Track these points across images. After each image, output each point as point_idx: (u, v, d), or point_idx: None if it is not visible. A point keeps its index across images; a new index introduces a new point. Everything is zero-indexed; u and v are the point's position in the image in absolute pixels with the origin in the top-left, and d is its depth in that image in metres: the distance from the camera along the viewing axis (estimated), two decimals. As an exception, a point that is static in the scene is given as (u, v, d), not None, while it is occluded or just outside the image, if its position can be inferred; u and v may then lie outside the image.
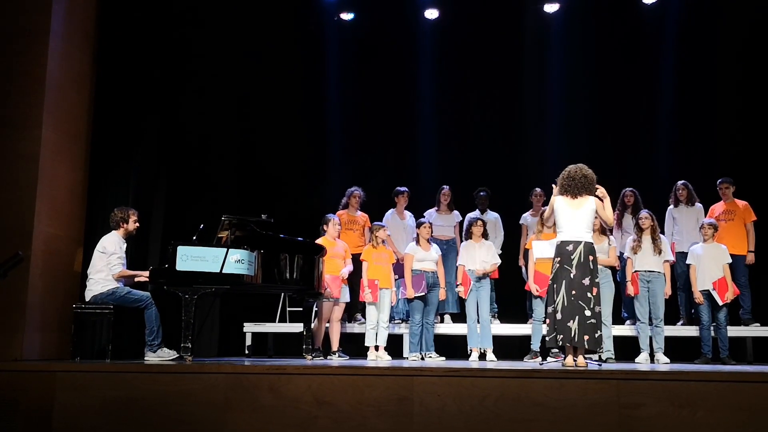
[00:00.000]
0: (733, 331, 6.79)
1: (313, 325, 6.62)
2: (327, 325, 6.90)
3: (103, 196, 6.94)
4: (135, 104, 7.26)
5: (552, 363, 5.85)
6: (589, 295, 5.15)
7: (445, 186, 7.80)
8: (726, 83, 8.40)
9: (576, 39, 8.63)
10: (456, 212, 7.78)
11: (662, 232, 6.95)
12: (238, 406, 4.64)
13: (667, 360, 6.41)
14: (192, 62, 7.92)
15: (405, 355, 7.03)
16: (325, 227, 6.88)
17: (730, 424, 4.23)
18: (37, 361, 5.83)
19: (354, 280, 7.22)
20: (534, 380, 4.44)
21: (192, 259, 5.49)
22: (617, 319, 7.01)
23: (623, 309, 7.25)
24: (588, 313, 5.12)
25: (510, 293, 7.77)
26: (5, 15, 6.37)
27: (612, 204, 7.26)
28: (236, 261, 5.55)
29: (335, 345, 6.83)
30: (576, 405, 4.34)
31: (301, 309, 6.70)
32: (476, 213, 7.65)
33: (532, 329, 6.66)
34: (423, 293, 6.62)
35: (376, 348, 6.71)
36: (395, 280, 6.94)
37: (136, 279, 6.22)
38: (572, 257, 5.20)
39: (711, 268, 6.64)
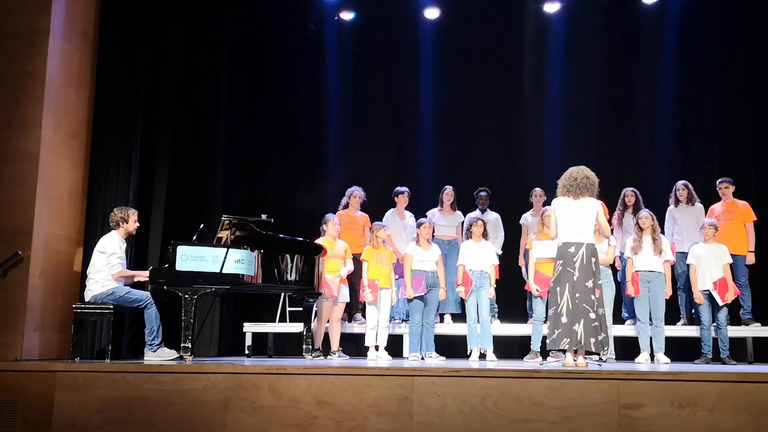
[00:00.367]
0: (734, 331, 6.79)
1: (312, 325, 6.61)
2: (327, 325, 6.89)
3: (103, 195, 6.93)
4: (134, 104, 7.26)
5: (552, 363, 5.85)
6: (592, 297, 5.16)
7: (448, 186, 7.77)
8: (726, 83, 8.41)
9: (576, 38, 8.63)
10: (459, 212, 7.76)
11: (662, 232, 6.95)
12: (238, 406, 4.64)
13: (668, 360, 6.41)
14: (192, 61, 7.92)
15: (405, 355, 7.03)
16: (324, 227, 6.87)
17: (731, 424, 4.22)
18: (37, 361, 5.83)
19: (354, 280, 7.22)
20: (534, 380, 4.44)
21: (192, 258, 5.48)
22: (617, 320, 7.00)
23: (624, 309, 7.24)
24: (593, 315, 5.13)
25: (510, 293, 7.77)
26: (5, 15, 6.38)
27: (613, 204, 7.33)
28: (236, 261, 5.55)
29: (335, 345, 6.83)
30: (576, 405, 4.34)
31: (301, 309, 6.69)
32: (477, 213, 7.65)
33: (533, 329, 6.65)
34: (423, 293, 6.61)
35: (376, 348, 6.71)
36: (395, 280, 6.93)
37: (136, 279, 6.21)
38: (575, 259, 5.20)
39: (711, 268, 6.64)
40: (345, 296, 6.92)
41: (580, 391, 4.36)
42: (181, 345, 5.45)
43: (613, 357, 6.41)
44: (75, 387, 4.82)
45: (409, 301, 6.68)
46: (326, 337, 6.91)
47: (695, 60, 8.46)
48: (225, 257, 5.49)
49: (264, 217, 6.04)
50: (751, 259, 7.06)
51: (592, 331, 5.11)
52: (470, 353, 6.58)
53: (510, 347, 7.39)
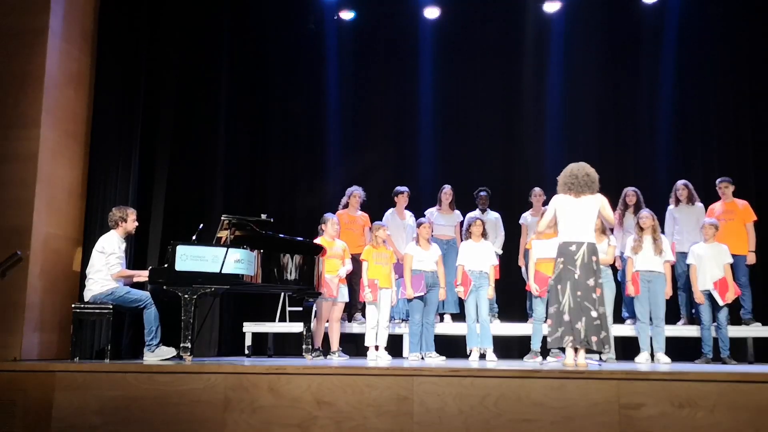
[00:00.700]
0: (734, 331, 6.78)
1: (312, 325, 6.61)
2: (326, 324, 6.88)
3: (102, 195, 6.92)
4: (134, 103, 7.25)
5: (552, 363, 5.85)
6: (594, 296, 5.16)
7: (446, 185, 7.78)
8: (726, 82, 8.40)
9: (576, 38, 8.64)
10: (457, 212, 7.77)
11: (663, 232, 6.95)
12: (237, 406, 4.64)
13: (668, 360, 6.40)
14: (191, 61, 7.92)
15: (405, 354, 7.02)
16: (323, 227, 6.86)
17: (731, 424, 4.22)
18: (36, 361, 5.83)
19: (354, 280, 7.22)
20: (534, 380, 4.43)
21: (191, 258, 5.48)
22: (618, 319, 7.00)
23: (624, 309, 7.24)
24: (594, 314, 5.12)
25: (510, 293, 7.76)
26: (4, 14, 6.38)
27: (613, 204, 7.31)
28: (236, 261, 5.54)
29: (335, 345, 6.82)
30: (576, 405, 4.34)
31: (300, 309, 6.69)
32: (477, 213, 7.64)
33: (533, 329, 6.64)
34: (422, 293, 6.61)
35: (376, 348, 6.70)
36: (395, 279, 6.93)
37: (135, 279, 6.20)
38: (576, 258, 5.19)
39: (712, 268, 6.64)
40: (344, 296, 6.92)
41: (580, 391, 4.36)
42: (181, 345, 5.45)
43: (613, 357, 6.40)
44: (74, 387, 4.81)
45: (409, 301, 6.68)
46: (326, 337, 6.91)
47: (695, 59, 8.46)
48: (224, 257, 5.49)
49: (263, 216, 6.04)
50: (751, 258, 7.05)
51: (593, 330, 5.10)
52: (470, 353, 6.57)
53: (510, 347, 7.39)
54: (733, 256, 6.78)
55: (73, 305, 6.01)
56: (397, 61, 9.00)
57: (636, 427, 4.27)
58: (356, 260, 7.08)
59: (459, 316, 7.22)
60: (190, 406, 4.68)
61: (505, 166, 8.71)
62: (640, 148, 8.62)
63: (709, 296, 6.62)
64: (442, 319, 7.44)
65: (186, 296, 5.46)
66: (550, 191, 5.69)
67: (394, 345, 7.04)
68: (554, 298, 5.28)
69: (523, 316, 7.45)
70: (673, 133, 8.46)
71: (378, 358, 6.63)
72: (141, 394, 4.74)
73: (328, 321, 6.86)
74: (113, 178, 7.03)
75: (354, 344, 7.64)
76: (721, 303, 6.57)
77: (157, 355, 5.86)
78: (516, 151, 8.74)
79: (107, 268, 6.00)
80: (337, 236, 7.00)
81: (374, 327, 6.71)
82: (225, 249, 5.53)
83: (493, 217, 7.76)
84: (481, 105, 8.89)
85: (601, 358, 6.02)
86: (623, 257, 6.97)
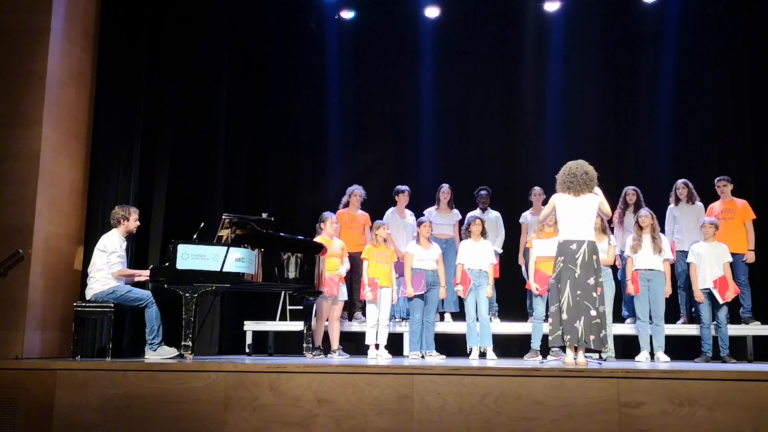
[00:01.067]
0: (734, 330, 6.79)
1: (312, 324, 6.62)
2: (326, 323, 6.89)
3: (104, 194, 6.93)
4: (135, 102, 7.26)
5: (552, 361, 5.86)
6: (594, 294, 5.16)
7: (444, 184, 7.80)
8: (726, 81, 8.41)
9: (576, 37, 8.64)
10: (456, 211, 7.78)
11: (663, 231, 6.96)
12: (238, 405, 4.65)
13: (668, 358, 6.41)
14: (192, 60, 7.93)
15: (405, 353, 7.03)
16: (322, 225, 6.87)
17: (731, 422, 4.23)
18: (38, 360, 5.83)
19: (354, 279, 7.23)
20: (534, 379, 4.45)
21: (192, 257, 5.49)
22: (617, 318, 7.01)
23: (624, 308, 7.25)
24: (593, 313, 5.13)
25: (510, 292, 7.77)
26: (6, 13, 6.38)
27: (613, 203, 7.32)
28: (237, 259, 5.56)
29: (335, 343, 6.83)
30: (576, 403, 4.35)
31: (301, 307, 6.70)
32: (477, 212, 7.65)
33: (533, 328, 6.66)
34: (423, 292, 6.62)
35: (377, 346, 6.71)
36: (395, 278, 6.94)
37: (136, 278, 6.21)
38: (576, 256, 5.20)
39: (712, 267, 6.65)
40: (343, 294, 6.93)
41: (580, 389, 4.37)
42: (182, 343, 5.46)
43: (613, 355, 6.41)
44: (76, 385, 4.82)
45: (410, 299, 6.69)
46: (326, 335, 6.92)
47: (695, 58, 8.47)
48: (225, 256, 5.50)
49: (264, 215, 6.05)
50: (750, 257, 7.06)
51: (592, 329, 5.11)
52: (470, 352, 6.58)
53: (510, 346, 7.39)
54: (733, 254, 6.79)
55: (74, 304, 6.02)
56: (398, 60, 9.00)
57: (636, 426, 4.29)
58: (357, 259, 7.09)
59: (459, 315, 7.23)
60: (190, 404, 4.69)
61: (505, 165, 8.72)
62: (639, 146, 8.62)
63: (709, 295, 6.64)
64: (442, 318, 7.45)
65: (187, 295, 5.48)
66: (550, 190, 5.70)
67: (395, 344, 7.05)
68: (554, 297, 5.29)
69: (523, 314, 7.46)
70: (673, 131, 8.47)
71: (378, 356, 6.64)
72: (142, 392, 4.76)
73: (327, 320, 6.87)
74: (114, 177, 7.04)
75: (354, 343, 7.65)
76: (721, 302, 6.58)
77: (159, 354, 5.87)
78: (516, 150, 8.75)
79: (108, 266, 6.00)
80: (336, 235, 7.01)
81: (374, 326, 6.72)
82: (226, 248, 5.54)
83: (494, 216, 7.77)
84: (482, 104, 8.90)
85: (601, 357, 6.03)
86: (623, 256, 6.98)
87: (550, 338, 5.35)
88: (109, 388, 4.79)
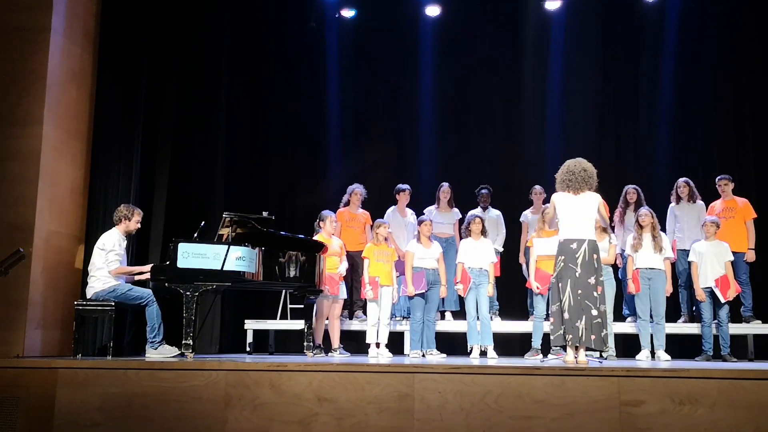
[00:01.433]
0: (734, 329, 6.79)
1: (312, 322, 6.62)
2: (326, 322, 6.90)
3: (104, 193, 6.94)
4: (136, 101, 7.26)
5: (553, 360, 5.86)
6: (594, 294, 5.16)
7: (444, 183, 7.79)
8: (726, 79, 8.40)
9: (577, 36, 8.63)
10: (456, 210, 7.78)
11: (664, 230, 6.95)
12: (239, 403, 4.65)
13: (668, 357, 6.41)
14: (193, 59, 7.93)
15: (406, 352, 7.03)
16: (321, 224, 6.87)
17: (731, 421, 4.23)
18: (39, 358, 5.84)
19: (354, 277, 7.23)
20: (535, 377, 4.45)
21: (193, 256, 5.49)
22: (618, 317, 7.01)
23: (624, 306, 7.25)
24: (594, 312, 5.13)
25: (511, 291, 7.77)
26: (6, 12, 6.39)
27: (614, 201, 7.33)
28: (237, 258, 5.56)
29: (335, 342, 6.83)
30: (577, 402, 4.35)
31: (302, 306, 6.70)
32: (478, 210, 7.65)
33: (533, 326, 6.66)
34: (423, 291, 6.62)
35: (377, 345, 6.71)
36: (396, 277, 6.94)
37: (137, 277, 6.21)
38: (577, 256, 5.20)
39: (713, 266, 6.65)
40: (343, 293, 6.94)
41: (580, 388, 4.37)
42: (183, 342, 5.46)
43: (614, 354, 6.41)
44: (76, 384, 4.83)
45: (410, 298, 6.69)
46: (326, 334, 6.92)
47: (695, 57, 8.46)
48: (226, 254, 5.50)
49: (265, 214, 6.05)
50: (751, 256, 7.05)
51: (593, 328, 5.11)
52: (471, 350, 6.58)
53: (511, 344, 7.39)
54: (733, 253, 6.78)
55: (75, 302, 6.02)
56: (398, 58, 9.00)
57: (636, 425, 4.29)
58: (358, 258, 7.09)
59: (460, 314, 7.23)
60: (191, 402, 4.70)
61: (505, 164, 8.71)
62: (640, 145, 8.62)
63: (710, 293, 6.63)
64: (443, 317, 7.45)
65: (188, 293, 5.48)
66: (550, 189, 5.69)
67: (395, 342, 7.05)
68: (555, 296, 5.29)
69: (523, 313, 7.46)
70: (674, 130, 8.46)
71: (379, 355, 6.64)
72: (143, 390, 4.76)
73: (327, 318, 6.87)
74: (115, 176, 7.05)
75: (355, 341, 7.65)
76: (722, 300, 6.57)
77: (160, 352, 5.87)
78: (517, 149, 8.74)
79: (107, 265, 6.01)
80: (336, 234, 7.00)
81: (375, 324, 6.72)
82: (226, 246, 5.55)
83: (495, 214, 7.77)
84: (482, 103, 8.89)
85: (602, 355, 6.03)
86: (623, 255, 6.97)
87: (551, 337, 5.35)
88: (109, 386, 4.79)
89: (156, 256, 7.18)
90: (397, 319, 7.29)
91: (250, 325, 7.49)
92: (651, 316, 6.54)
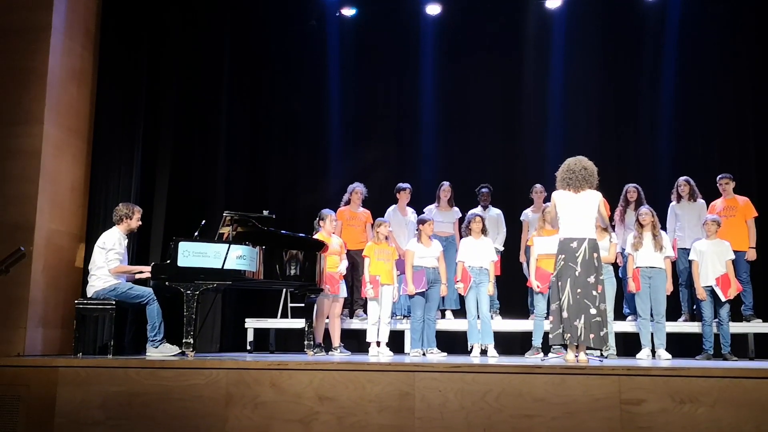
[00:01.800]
0: (735, 327, 6.79)
1: (313, 321, 6.62)
2: (327, 321, 6.90)
3: (105, 191, 6.94)
4: (136, 100, 7.26)
5: (553, 359, 5.86)
6: (594, 293, 5.16)
7: (444, 182, 7.80)
8: (728, 78, 8.40)
9: (577, 35, 8.64)
10: (456, 209, 7.78)
11: (664, 229, 6.95)
12: (239, 402, 4.66)
13: (669, 356, 6.41)
14: (193, 58, 7.93)
15: (406, 350, 7.04)
16: (321, 223, 6.87)
17: (732, 420, 4.23)
18: (40, 357, 5.84)
19: (355, 276, 7.23)
20: (535, 376, 4.45)
21: (194, 254, 5.50)
22: (619, 316, 7.01)
23: (625, 305, 7.25)
24: (593, 311, 5.13)
25: (511, 289, 7.77)
26: (7, 11, 6.39)
27: (615, 200, 7.33)
28: (238, 257, 5.56)
29: (336, 341, 6.84)
30: (577, 401, 4.35)
31: (302, 305, 6.71)
32: (478, 209, 7.65)
33: (534, 325, 6.66)
34: (424, 289, 6.62)
35: (378, 344, 6.71)
36: (397, 276, 6.94)
37: (138, 276, 6.21)
38: (577, 254, 5.19)
39: (714, 264, 6.64)
40: (343, 292, 6.95)
41: (581, 386, 4.37)
42: (183, 341, 5.47)
43: (614, 353, 6.42)
44: (77, 382, 4.83)
45: (411, 297, 6.69)
46: (327, 333, 6.92)
47: (696, 56, 8.46)
48: (227, 253, 5.51)
49: (266, 213, 6.06)
50: (752, 255, 7.05)
51: (592, 327, 5.11)
52: (471, 349, 6.59)
53: (511, 343, 7.39)
54: (734, 252, 6.78)
55: (75, 301, 6.02)
56: (399, 57, 9.00)
57: (637, 423, 4.29)
58: (358, 256, 7.09)
59: (460, 313, 7.23)
60: (192, 401, 4.70)
61: (506, 163, 8.71)
62: (641, 144, 8.61)
63: (711, 292, 6.63)
64: (443, 316, 7.46)
65: (188, 292, 5.49)
66: (550, 188, 5.69)
67: (396, 341, 7.05)
68: (555, 295, 5.29)
69: (524, 312, 7.46)
70: (674, 129, 8.46)
71: (379, 354, 6.64)
72: (143, 389, 4.76)
73: (328, 317, 6.88)
74: (116, 175, 7.05)
75: (355, 340, 7.66)
76: (723, 299, 6.57)
77: (161, 351, 5.87)
78: (517, 148, 8.74)
79: (107, 263, 6.01)
80: (336, 232, 7.00)
81: (375, 323, 6.73)
82: (227, 245, 5.55)
83: (495, 213, 7.77)
84: (483, 102, 8.89)
85: (602, 354, 6.03)
86: (624, 254, 6.97)
87: (550, 336, 5.35)
88: (110, 385, 4.80)
89: (157, 255, 7.19)
90: (398, 317, 7.30)
91: (251, 323, 7.49)
92: (651, 315, 6.54)
